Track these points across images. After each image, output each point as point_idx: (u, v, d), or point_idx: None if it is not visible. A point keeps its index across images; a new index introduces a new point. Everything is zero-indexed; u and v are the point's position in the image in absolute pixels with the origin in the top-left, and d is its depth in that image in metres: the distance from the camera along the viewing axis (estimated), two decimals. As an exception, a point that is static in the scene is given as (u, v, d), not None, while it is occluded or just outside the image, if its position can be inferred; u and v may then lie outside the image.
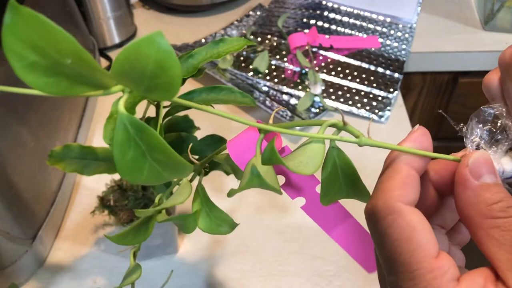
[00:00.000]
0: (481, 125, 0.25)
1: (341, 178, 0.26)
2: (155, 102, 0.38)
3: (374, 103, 0.72)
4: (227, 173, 0.43)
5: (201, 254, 0.56)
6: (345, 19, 0.85)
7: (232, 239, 0.57)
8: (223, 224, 0.36)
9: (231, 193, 0.28)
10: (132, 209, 0.49)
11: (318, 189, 0.29)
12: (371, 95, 0.73)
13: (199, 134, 0.44)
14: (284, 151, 0.29)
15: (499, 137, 0.24)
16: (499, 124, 0.24)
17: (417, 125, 0.25)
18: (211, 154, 0.34)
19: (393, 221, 0.22)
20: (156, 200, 0.36)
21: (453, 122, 0.26)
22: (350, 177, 0.26)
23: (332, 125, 0.25)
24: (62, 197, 0.58)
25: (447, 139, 0.99)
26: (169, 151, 0.19)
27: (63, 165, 0.41)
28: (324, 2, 0.87)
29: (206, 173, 0.45)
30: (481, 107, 0.25)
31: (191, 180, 0.36)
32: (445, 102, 0.92)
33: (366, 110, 0.72)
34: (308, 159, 0.25)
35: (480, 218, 0.22)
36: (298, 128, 0.64)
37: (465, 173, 0.23)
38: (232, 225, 0.36)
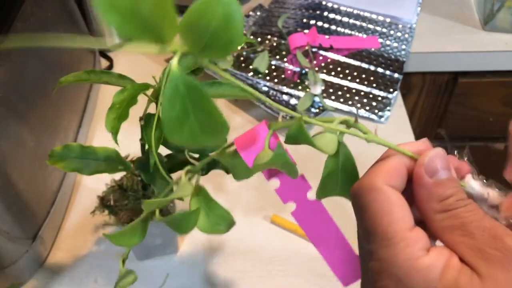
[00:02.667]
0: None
1: (340, 173, 0.29)
2: (155, 99, 0.38)
3: (374, 103, 0.72)
4: (227, 172, 0.43)
5: (201, 254, 0.56)
6: (345, 19, 0.85)
7: (232, 239, 0.57)
8: (221, 222, 0.36)
9: (255, 169, 0.29)
10: (132, 209, 0.49)
11: (309, 195, 0.31)
12: (371, 95, 0.73)
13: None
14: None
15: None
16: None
17: (424, 138, 0.28)
18: (213, 154, 0.35)
19: (375, 196, 0.25)
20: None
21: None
22: (350, 174, 0.29)
23: (344, 122, 0.28)
24: (62, 197, 0.58)
25: (447, 139, 0.99)
26: (212, 108, 0.20)
27: (63, 165, 0.41)
28: (324, 3, 0.87)
29: (206, 172, 0.45)
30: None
31: (190, 179, 0.36)
32: (444, 102, 0.92)
33: (366, 110, 0.72)
34: (327, 142, 0.28)
35: (433, 213, 0.25)
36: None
37: (420, 171, 0.25)
38: (230, 224, 0.36)
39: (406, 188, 0.27)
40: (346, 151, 0.28)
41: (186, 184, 0.35)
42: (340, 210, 0.40)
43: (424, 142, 0.27)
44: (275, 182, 0.31)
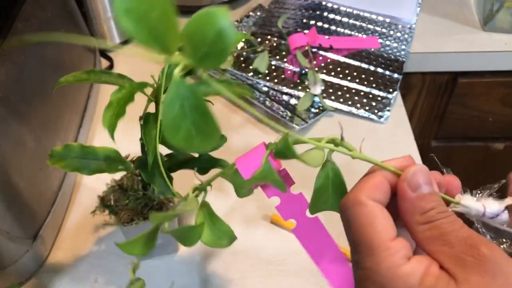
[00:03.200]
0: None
1: (330, 189, 0.31)
2: (155, 99, 0.39)
3: (374, 103, 0.72)
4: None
5: (201, 254, 0.56)
6: (345, 19, 0.85)
7: (232, 238, 0.57)
8: (223, 237, 0.38)
9: (247, 183, 0.31)
10: (133, 209, 0.49)
11: (308, 213, 0.33)
12: (370, 95, 0.73)
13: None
14: (284, 172, 0.33)
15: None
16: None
17: (407, 155, 0.30)
18: (218, 173, 0.37)
19: (360, 210, 0.27)
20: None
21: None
22: (339, 189, 0.31)
23: (331, 141, 0.30)
24: (63, 197, 0.58)
25: (446, 139, 0.99)
26: (207, 112, 0.22)
27: (64, 165, 0.41)
28: (324, 3, 0.88)
29: (205, 171, 0.45)
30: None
31: (196, 196, 0.39)
32: (444, 102, 0.92)
33: (366, 110, 0.72)
34: (313, 157, 0.30)
35: (416, 224, 0.27)
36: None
37: (403, 186, 0.27)
38: (231, 239, 0.39)
39: (391, 201, 0.28)
40: (334, 168, 0.30)
41: (193, 199, 0.37)
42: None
43: (407, 158, 0.29)
44: (276, 200, 0.33)
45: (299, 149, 0.30)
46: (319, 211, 0.32)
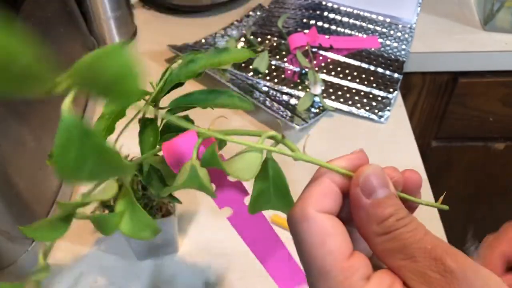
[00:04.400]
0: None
1: (272, 188, 0.28)
2: (153, 103, 0.38)
3: (374, 103, 0.72)
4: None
5: (201, 254, 0.56)
6: (345, 19, 0.85)
7: (232, 239, 0.57)
8: (145, 228, 0.35)
9: (165, 192, 0.29)
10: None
11: (246, 201, 0.30)
12: (370, 95, 0.73)
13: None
14: (222, 158, 0.30)
15: None
16: None
17: (358, 149, 0.26)
18: (144, 156, 0.34)
19: (308, 228, 0.24)
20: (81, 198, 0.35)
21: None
22: (281, 189, 0.28)
23: (271, 137, 0.26)
24: (62, 197, 0.58)
25: (447, 139, 0.99)
26: (111, 154, 0.18)
27: (63, 165, 0.41)
28: (324, 3, 0.87)
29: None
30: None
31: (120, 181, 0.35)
32: (444, 102, 0.92)
33: (366, 110, 0.72)
34: (246, 166, 0.26)
35: (374, 236, 0.23)
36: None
37: (356, 192, 0.24)
38: (154, 231, 0.35)
39: (344, 204, 0.25)
40: (275, 167, 0.27)
41: (112, 184, 0.34)
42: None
43: (358, 155, 0.26)
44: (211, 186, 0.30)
45: (236, 147, 0.26)
46: (259, 211, 0.29)
